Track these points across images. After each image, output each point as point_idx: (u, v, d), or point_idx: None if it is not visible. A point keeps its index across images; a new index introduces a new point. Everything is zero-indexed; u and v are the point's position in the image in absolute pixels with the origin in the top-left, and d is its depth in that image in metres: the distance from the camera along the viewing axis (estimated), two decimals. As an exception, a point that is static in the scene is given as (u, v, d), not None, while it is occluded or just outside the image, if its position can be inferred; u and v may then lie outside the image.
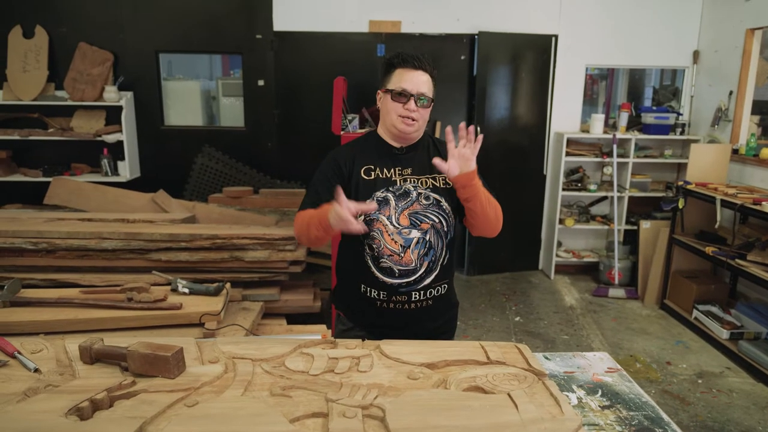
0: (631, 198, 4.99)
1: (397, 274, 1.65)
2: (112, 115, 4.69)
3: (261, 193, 4.60)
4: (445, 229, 1.69)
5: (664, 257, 4.46)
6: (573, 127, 5.10)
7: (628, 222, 5.01)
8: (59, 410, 1.08)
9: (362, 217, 1.64)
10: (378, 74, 5.37)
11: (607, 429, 1.25)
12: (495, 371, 1.32)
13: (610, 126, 5.11)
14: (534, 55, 4.91)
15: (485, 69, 4.78)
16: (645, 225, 4.71)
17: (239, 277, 3.20)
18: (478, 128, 4.84)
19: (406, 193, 1.65)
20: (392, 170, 1.68)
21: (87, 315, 2.49)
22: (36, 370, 1.26)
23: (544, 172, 5.16)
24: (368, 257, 1.67)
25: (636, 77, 6.18)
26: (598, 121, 4.90)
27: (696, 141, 4.75)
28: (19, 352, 1.33)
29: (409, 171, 1.69)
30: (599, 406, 1.36)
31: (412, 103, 1.63)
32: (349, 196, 1.63)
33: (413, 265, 1.64)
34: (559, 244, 5.24)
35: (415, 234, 1.64)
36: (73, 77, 4.56)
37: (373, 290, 1.68)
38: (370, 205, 1.56)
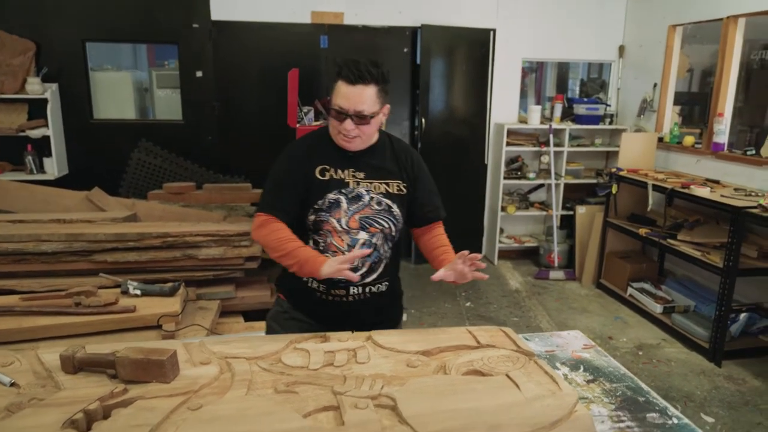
0: (566, 185, 5.24)
1: None
2: (36, 109, 4.35)
3: (205, 188, 4.43)
4: (393, 233, 1.69)
5: (599, 240, 4.73)
6: (511, 118, 5.28)
7: (564, 207, 5.27)
8: (52, 425, 1.01)
9: (312, 217, 1.62)
10: (321, 65, 5.28)
11: (596, 401, 1.33)
12: (488, 354, 1.37)
13: (545, 117, 5.33)
14: (474, 48, 5.03)
15: (428, 61, 4.85)
16: (581, 210, 4.98)
17: (192, 275, 3.08)
18: (423, 120, 4.91)
19: (359, 197, 1.62)
20: (346, 171, 1.64)
21: (31, 323, 2.33)
22: (13, 384, 1.17)
23: (486, 162, 5.31)
24: None
25: (563, 70, 6.46)
26: (535, 112, 5.10)
27: (623, 130, 5.06)
28: (-11, 367, 1.23)
29: (362, 175, 1.64)
30: (584, 380, 1.44)
31: (348, 123, 1.55)
32: (302, 194, 1.62)
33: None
34: (501, 230, 5.43)
35: (363, 235, 1.63)
36: (-11, 68, 4.20)
37: (313, 281, 1.67)
38: (363, 251, 1.59)
